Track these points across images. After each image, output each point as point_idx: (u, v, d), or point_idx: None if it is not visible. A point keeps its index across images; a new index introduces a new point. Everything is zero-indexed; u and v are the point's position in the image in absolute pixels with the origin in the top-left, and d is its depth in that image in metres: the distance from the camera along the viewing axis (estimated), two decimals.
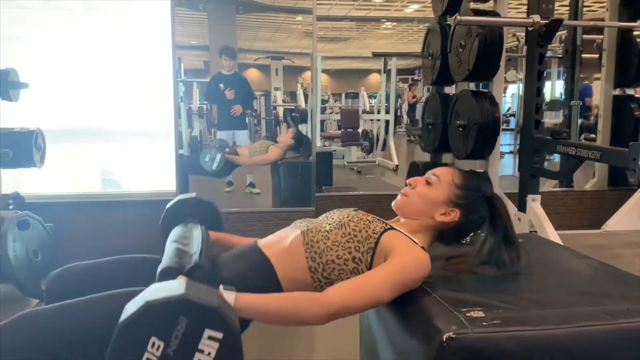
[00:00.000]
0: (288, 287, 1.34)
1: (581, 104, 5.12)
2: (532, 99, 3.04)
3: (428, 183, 1.45)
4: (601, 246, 3.51)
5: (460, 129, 3.55)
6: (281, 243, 1.39)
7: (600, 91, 4.23)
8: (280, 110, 5.25)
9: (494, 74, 3.43)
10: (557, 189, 4.34)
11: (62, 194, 3.68)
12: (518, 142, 8.92)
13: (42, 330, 1.19)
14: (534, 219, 3.04)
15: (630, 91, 4.27)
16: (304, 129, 4.46)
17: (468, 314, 1.14)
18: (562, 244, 2.78)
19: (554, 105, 7.15)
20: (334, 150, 8.29)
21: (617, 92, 4.19)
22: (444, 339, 1.07)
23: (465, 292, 1.29)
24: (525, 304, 1.21)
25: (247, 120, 4.40)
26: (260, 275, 1.35)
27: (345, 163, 7.74)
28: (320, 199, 3.75)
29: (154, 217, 3.48)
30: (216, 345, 0.92)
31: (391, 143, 8.03)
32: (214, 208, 1.72)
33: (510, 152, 8.98)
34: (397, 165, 7.53)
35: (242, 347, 0.96)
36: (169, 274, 1.21)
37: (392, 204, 1.49)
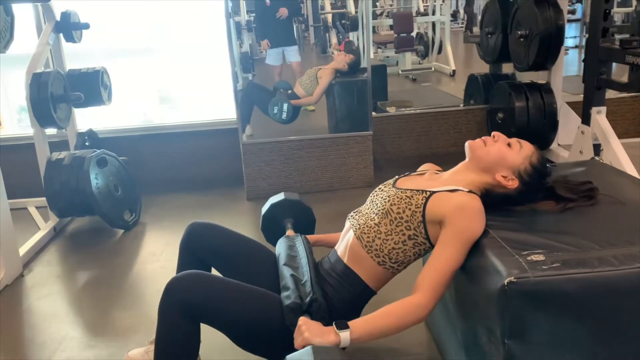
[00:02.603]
0: (374, 284, 1.52)
1: None
2: (600, 4, 2.85)
3: (509, 145, 1.49)
4: None
5: (522, 39, 3.42)
6: (350, 252, 1.53)
7: None
8: (329, 16, 5.11)
9: None
10: (625, 95, 4.14)
11: (130, 127, 3.87)
12: (585, 34, 8.42)
13: (212, 295, 1.41)
14: (599, 132, 2.97)
15: None
16: (355, 37, 4.36)
17: (529, 258, 1.20)
18: (626, 162, 2.74)
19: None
20: (387, 57, 8.10)
21: None
22: (506, 283, 1.15)
23: (525, 231, 1.34)
24: (584, 243, 1.25)
25: (295, 35, 4.33)
26: (351, 284, 1.52)
27: (400, 71, 7.56)
28: (377, 120, 3.76)
29: (218, 145, 3.69)
30: None
31: (448, 47, 7.72)
32: (303, 205, 1.97)
33: (576, 47, 8.45)
34: (454, 70, 7.29)
35: None
36: (295, 310, 1.41)
37: (468, 143, 1.52)
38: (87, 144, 3.44)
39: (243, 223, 3.04)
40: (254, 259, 1.67)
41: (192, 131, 3.79)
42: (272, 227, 1.94)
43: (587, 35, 3.25)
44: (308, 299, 1.42)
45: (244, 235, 1.74)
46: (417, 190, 1.45)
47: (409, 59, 7.82)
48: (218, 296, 1.40)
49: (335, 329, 1.28)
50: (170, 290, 1.38)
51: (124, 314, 2.21)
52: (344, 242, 1.57)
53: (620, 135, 2.97)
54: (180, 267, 1.67)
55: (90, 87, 3.23)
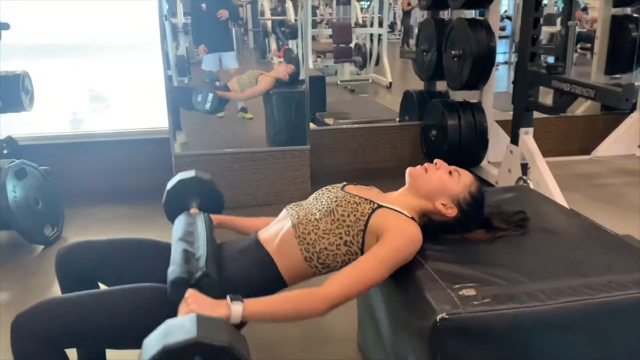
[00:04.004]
0: (290, 278, 1.44)
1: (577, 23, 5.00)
2: (529, 30, 2.97)
3: (450, 173, 1.49)
4: (590, 175, 3.59)
5: (455, 58, 3.50)
6: (277, 237, 1.46)
7: (599, 11, 4.12)
8: (269, 23, 5.06)
9: (490, 1, 3.33)
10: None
11: (54, 134, 3.67)
12: (514, 50, 8.79)
13: (66, 318, 1.27)
14: (526, 152, 3.09)
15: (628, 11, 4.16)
16: (294, 44, 4.33)
17: (460, 292, 1.21)
18: (551, 182, 2.86)
19: (549, 19, 6.95)
20: (327, 66, 8.15)
21: (614, 11, 4.08)
22: (438, 320, 1.15)
23: (457, 262, 1.36)
24: (514, 277, 1.27)
25: (233, 40, 4.25)
26: (264, 271, 1.44)
27: (339, 82, 7.62)
28: (315, 133, 3.74)
29: (147, 155, 3.55)
30: None
31: (385, 59, 7.86)
32: (213, 187, 1.79)
33: (505, 63, 8.80)
34: (390, 83, 7.43)
35: None
36: (180, 284, 1.28)
37: (409, 170, 1.52)
38: (5, 152, 3.21)
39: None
40: (140, 257, 1.53)
41: (122, 140, 3.63)
42: (177, 205, 1.73)
43: (515, 53, 3.38)
44: (199, 273, 1.31)
45: (126, 238, 1.60)
46: (366, 199, 1.43)
47: (347, 70, 7.91)
48: (75, 315, 1.27)
49: (228, 301, 1.21)
50: (18, 327, 1.24)
51: None
52: (274, 229, 1.49)
53: (545, 154, 3.11)
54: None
55: (10, 92, 3.02)
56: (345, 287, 1.29)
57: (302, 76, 3.69)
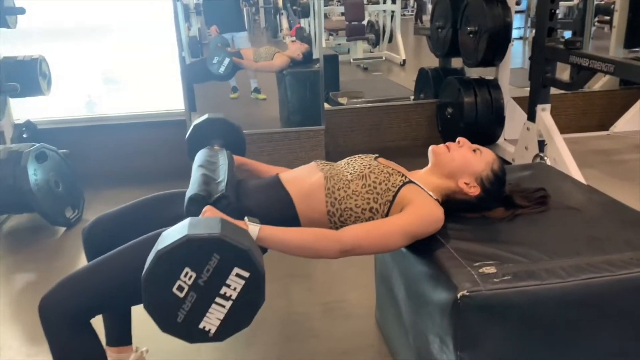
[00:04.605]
0: (305, 224, 1.43)
1: None
2: (546, 4, 2.92)
3: (473, 151, 1.49)
4: (607, 151, 3.55)
5: (471, 35, 3.46)
6: (303, 182, 1.46)
7: None
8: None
9: None
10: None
11: (72, 117, 3.70)
12: (529, 25, 8.65)
13: (86, 290, 1.29)
14: (543, 129, 3.06)
15: None
16: (306, 23, 4.30)
17: (480, 270, 1.22)
18: (569, 159, 2.83)
19: None
20: (339, 44, 8.08)
21: None
22: (458, 297, 1.16)
23: (477, 241, 1.37)
24: (534, 254, 1.28)
25: (245, 20, 4.23)
26: (281, 209, 1.43)
27: (352, 60, 7.56)
28: (329, 113, 3.73)
29: (163, 138, 3.57)
30: (242, 282, 1.03)
31: (398, 36, 7.77)
32: (239, 131, 1.80)
33: (520, 38, 8.67)
34: (404, 60, 7.36)
35: (264, 286, 1.06)
36: (198, 201, 1.29)
37: (432, 148, 1.53)
38: (24, 136, 3.27)
39: None
40: (159, 211, 1.53)
41: (139, 122, 3.66)
42: (200, 142, 1.73)
43: (531, 28, 3.34)
44: (218, 194, 1.31)
45: (144, 198, 1.60)
46: (398, 172, 1.45)
47: (360, 48, 7.83)
48: (93, 282, 1.29)
49: (246, 220, 1.22)
50: (45, 310, 1.27)
51: None
52: (299, 174, 1.50)
53: (562, 130, 3.07)
54: None
55: (28, 76, 3.05)
56: (359, 239, 1.30)
57: (315, 55, 3.68)
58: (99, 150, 3.59)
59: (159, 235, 1.25)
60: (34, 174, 2.75)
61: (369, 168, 1.45)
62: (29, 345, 1.98)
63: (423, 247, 1.38)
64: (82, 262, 2.53)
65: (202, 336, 1.05)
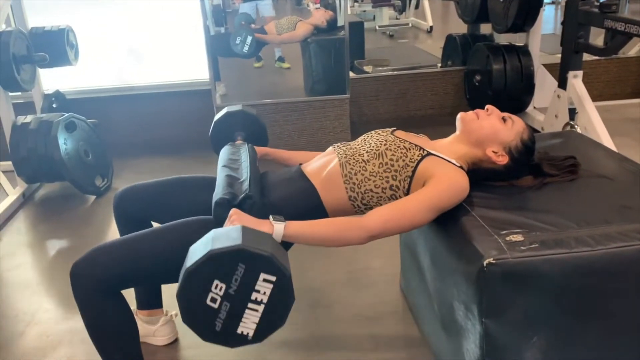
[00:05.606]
0: (331, 211, 1.45)
1: None
2: None
3: (503, 119, 1.46)
4: None
5: (501, 0, 3.36)
6: (323, 171, 1.47)
7: None
8: None
9: None
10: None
11: (99, 87, 3.74)
12: None
13: (120, 263, 1.33)
14: (575, 96, 2.98)
15: None
16: None
17: (507, 238, 1.21)
18: (600, 127, 2.76)
19: None
20: (364, 11, 7.94)
21: None
22: (485, 264, 1.16)
23: (504, 209, 1.35)
24: (562, 222, 1.26)
25: None
26: (307, 199, 1.45)
27: (377, 27, 7.42)
28: (354, 82, 3.69)
29: (189, 107, 3.59)
30: (270, 286, 1.06)
31: (425, 1, 7.57)
32: (258, 121, 1.83)
33: (552, 3, 8.40)
34: (431, 27, 7.19)
35: (292, 287, 1.09)
36: (224, 205, 1.33)
37: (460, 115, 1.50)
38: (54, 106, 3.32)
39: None
40: (189, 192, 1.59)
41: (165, 92, 3.68)
42: (222, 136, 1.79)
43: None
44: (242, 195, 1.36)
45: (176, 177, 1.66)
46: (416, 145, 1.43)
47: (386, 14, 7.67)
48: (127, 256, 1.33)
49: (271, 219, 1.25)
50: (76, 277, 1.32)
51: None
52: (319, 163, 1.51)
53: (594, 98, 2.99)
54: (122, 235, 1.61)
55: (56, 46, 3.09)
56: (385, 222, 1.30)
57: (340, 22, 3.62)
58: (127, 120, 3.63)
59: (196, 222, 1.35)
60: (64, 143, 2.80)
61: (385, 145, 1.44)
62: (63, 308, 2.05)
63: (449, 215, 1.37)
64: (113, 229, 2.62)
65: (241, 341, 1.09)
